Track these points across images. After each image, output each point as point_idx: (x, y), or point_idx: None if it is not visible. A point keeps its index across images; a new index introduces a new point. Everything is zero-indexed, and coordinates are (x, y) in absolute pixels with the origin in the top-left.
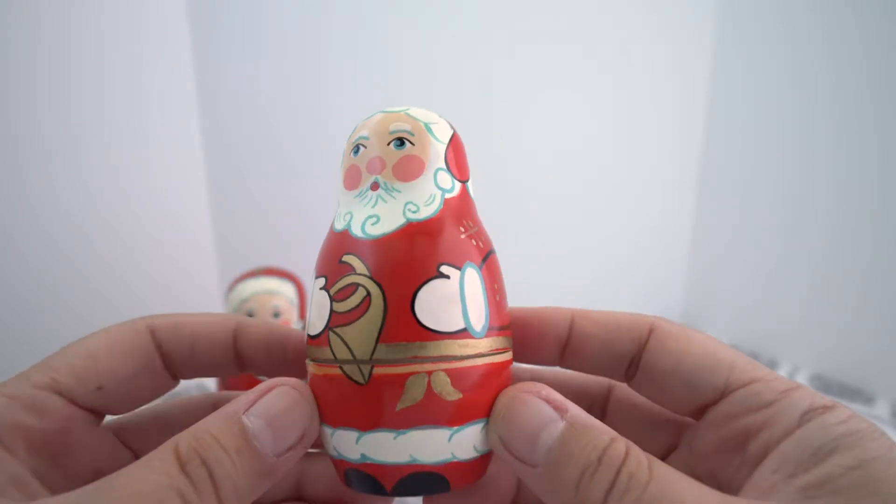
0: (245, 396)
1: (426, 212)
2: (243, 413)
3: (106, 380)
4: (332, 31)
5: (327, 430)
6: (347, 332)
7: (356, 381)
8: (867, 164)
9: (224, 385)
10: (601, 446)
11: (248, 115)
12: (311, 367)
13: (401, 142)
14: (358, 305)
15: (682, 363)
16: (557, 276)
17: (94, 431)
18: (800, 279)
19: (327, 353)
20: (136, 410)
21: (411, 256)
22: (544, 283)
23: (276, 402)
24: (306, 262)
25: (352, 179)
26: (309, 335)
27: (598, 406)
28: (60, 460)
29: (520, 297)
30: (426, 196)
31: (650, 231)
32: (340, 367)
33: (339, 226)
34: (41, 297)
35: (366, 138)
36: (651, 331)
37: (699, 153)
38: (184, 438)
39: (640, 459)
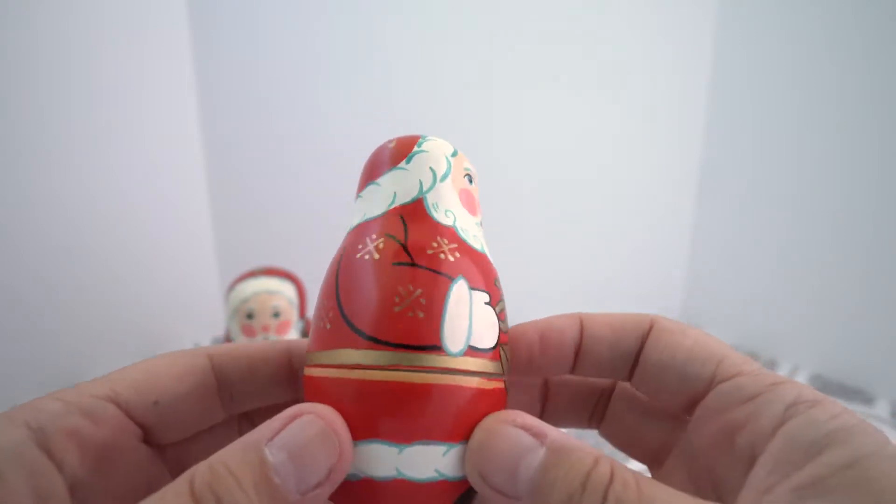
0: (270, 423)
1: None
2: (265, 443)
3: (162, 395)
4: (331, 32)
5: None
6: (508, 350)
7: (507, 392)
8: (867, 164)
9: None
10: (584, 470)
11: (248, 115)
12: (477, 381)
13: None
14: (510, 328)
15: (675, 356)
16: (558, 276)
17: (141, 449)
18: (800, 279)
19: (498, 367)
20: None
21: None
22: (546, 283)
23: (302, 432)
24: (306, 262)
25: (470, 204)
26: (475, 347)
27: (603, 401)
28: (105, 471)
29: (521, 296)
30: None
31: (650, 231)
32: (504, 381)
33: (476, 245)
34: (42, 296)
35: (474, 175)
36: (651, 327)
37: (699, 153)
38: (200, 471)
39: (627, 479)
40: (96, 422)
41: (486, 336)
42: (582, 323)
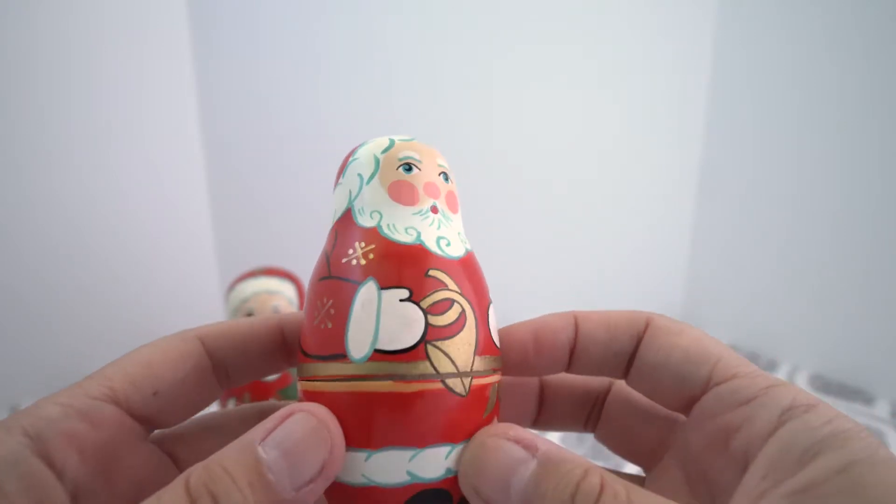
0: (264, 423)
1: (468, 245)
2: (259, 442)
3: (161, 385)
4: (331, 32)
5: (400, 454)
6: (449, 345)
7: (458, 394)
8: (867, 164)
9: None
10: (574, 481)
11: (248, 115)
12: (388, 385)
13: (445, 176)
14: (456, 320)
15: (671, 357)
16: (558, 276)
17: (142, 446)
18: (800, 279)
19: (425, 368)
20: (184, 423)
21: (480, 281)
22: (545, 283)
23: (294, 430)
24: (306, 262)
25: (406, 195)
26: (383, 350)
27: (598, 404)
28: (107, 473)
29: (521, 296)
30: (463, 230)
31: (650, 231)
32: (443, 381)
33: (406, 238)
34: (42, 296)
35: (418, 161)
36: (647, 326)
37: (699, 153)
38: (195, 472)
39: (617, 490)
40: (95, 424)
41: (400, 336)
42: (577, 322)
